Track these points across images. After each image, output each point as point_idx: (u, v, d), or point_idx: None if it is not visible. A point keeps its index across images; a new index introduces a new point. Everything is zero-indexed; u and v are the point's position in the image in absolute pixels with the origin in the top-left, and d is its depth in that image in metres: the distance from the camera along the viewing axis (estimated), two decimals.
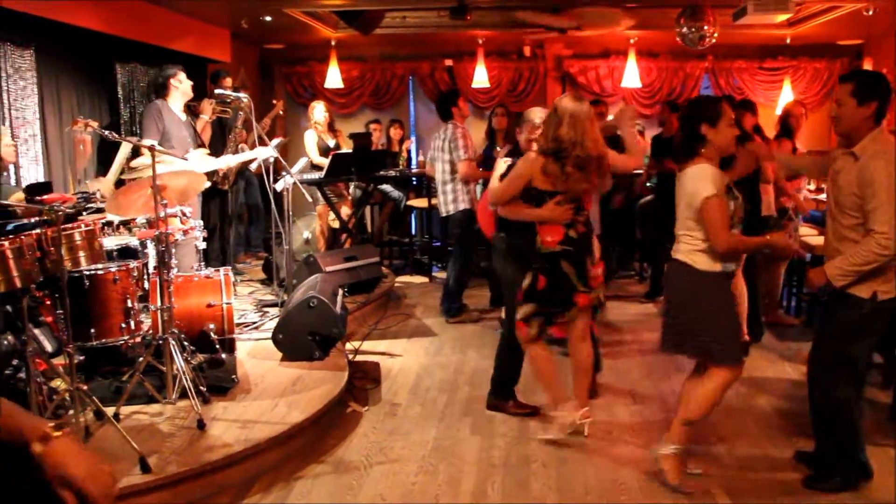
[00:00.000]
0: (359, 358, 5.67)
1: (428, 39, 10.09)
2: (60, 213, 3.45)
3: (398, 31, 9.35)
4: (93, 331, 4.18)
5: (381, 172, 8.20)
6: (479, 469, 3.97)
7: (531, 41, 10.35)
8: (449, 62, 10.85)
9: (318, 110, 8.32)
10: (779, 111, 8.29)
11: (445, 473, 3.92)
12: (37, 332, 4.69)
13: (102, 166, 6.80)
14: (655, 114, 10.55)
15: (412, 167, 10.15)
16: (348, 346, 5.61)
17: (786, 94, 10.02)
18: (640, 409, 4.79)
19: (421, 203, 9.34)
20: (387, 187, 9.19)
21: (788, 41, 9.67)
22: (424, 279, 8.78)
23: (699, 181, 3.51)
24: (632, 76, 10.21)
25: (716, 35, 7.43)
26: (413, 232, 10.27)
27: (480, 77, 10.29)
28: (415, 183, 9.79)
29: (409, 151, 10.38)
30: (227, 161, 6.50)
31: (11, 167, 5.53)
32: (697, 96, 6.65)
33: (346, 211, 8.19)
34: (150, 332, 4.50)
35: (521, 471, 3.95)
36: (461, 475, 3.90)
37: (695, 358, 3.80)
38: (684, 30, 7.43)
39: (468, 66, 10.58)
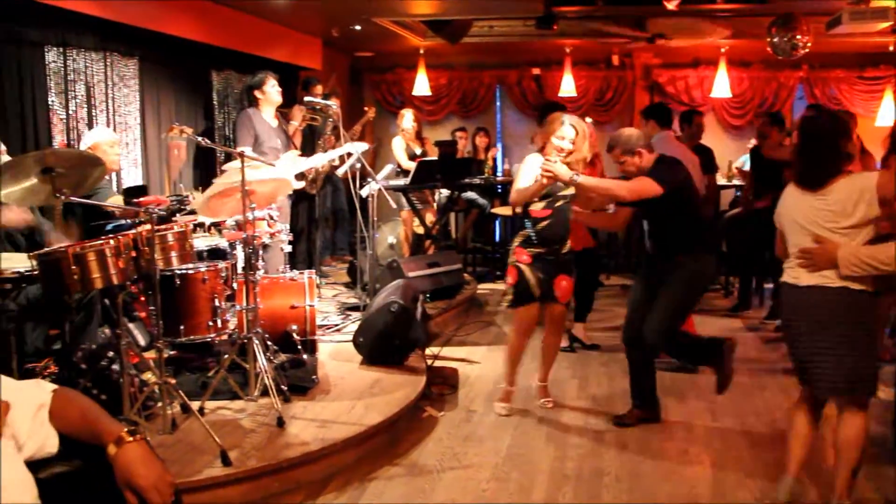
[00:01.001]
0: (437, 364, 5.71)
1: (515, 48, 10.12)
2: (155, 214, 3.63)
3: (485, 39, 9.41)
4: (182, 327, 4.35)
5: (467, 180, 8.26)
6: (551, 479, 3.97)
7: (619, 50, 10.26)
8: (536, 71, 10.85)
9: (407, 118, 8.43)
10: (881, 122, 7.98)
11: (517, 482, 3.94)
12: (131, 326, 4.93)
13: (197, 171, 7.07)
14: (746, 124, 10.32)
15: (497, 175, 10.19)
16: (427, 351, 5.67)
17: (887, 106, 9.64)
18: (717, 426, 4.69)
19: (505, 211, 9.34)
20: (472, 194, 9.25)
21: (892, 48, 9.29)
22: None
23: (865, 192, 3.25)
24: (722, 86, 9.99)
25: (809, 44, 7.21)
26: (497, 239, 10.29)
27: (567, 86, 10.25)
28: (500, 190, 9.82)
29: (494, 159, 10.42)
30: (319, 160, 6.66)
31: (113, 172, 5.81)
32: (827, 110, 6.40)
33: (430, 217, 8.28)
34: (236, 330, 4.65)
35: (593, 483, 3.93)
36: (532, 484, 3.91)
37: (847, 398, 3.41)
38: (776, 39, 7.24)
39: (555, 74, 10.55)
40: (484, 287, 8.62)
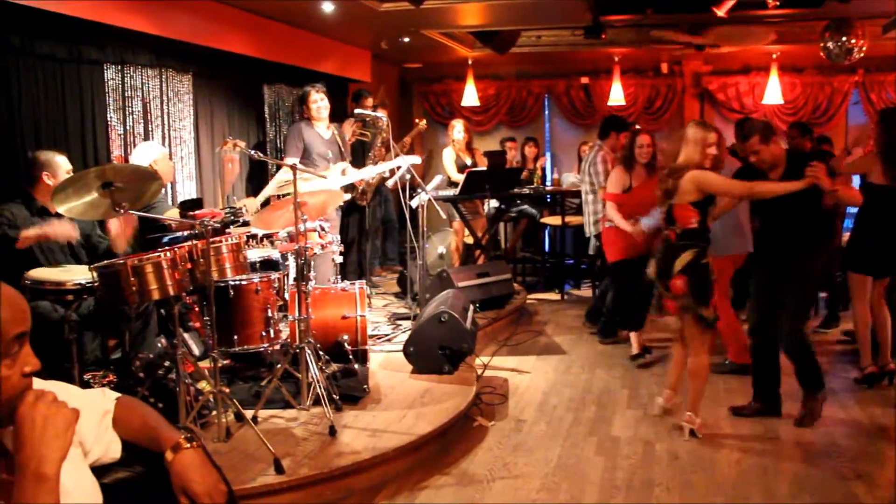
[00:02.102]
0: (487, 373, 5.73)
1: (563, 57, 10.11)
2: (209, 227, 3.72)
3: (534, 49, 9.43)
4: (236, 337, 4.42)
5: (516, 190, 8.26)
6: (602, 490, 3.94)
7: (669, 58, 10.18)
8: (585, 80, 10.82)
9: (457, 129, 8.45)
10: None
11: (567, 492, 3.92)
12: (186, 336, 5.04)
13: (251, 183, 7.20)
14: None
15: (546, 184, 10.17)
16: (477, 361, 5.68)
17: None
18: (771, 437, 4.61)
19: (555, 220, 9.33)
20: (521, 203, 9.24)
21: None
22: (556, 296, 8.76)
23: None
24: (774, 92, 9.84)
25: (864, 48, 7.06)
26: (546, 249, 10.27)
27: (617, 94, 10.20)
28: (549, 200, 9.80)
29: (543, 169, 10.40)
30: (370, 171, 6.73)
31: (169, 184, 5.95)
32: None
33: (480, 228, 8.29)
34: (289, 340, 4.72)
35: (643, 494, 3.90)
36: (583, 495, 3.89)
37: None
38: (829, 44, 7.10)
39: (604, 83, 10.51)
40: (533, 297, 8.61)
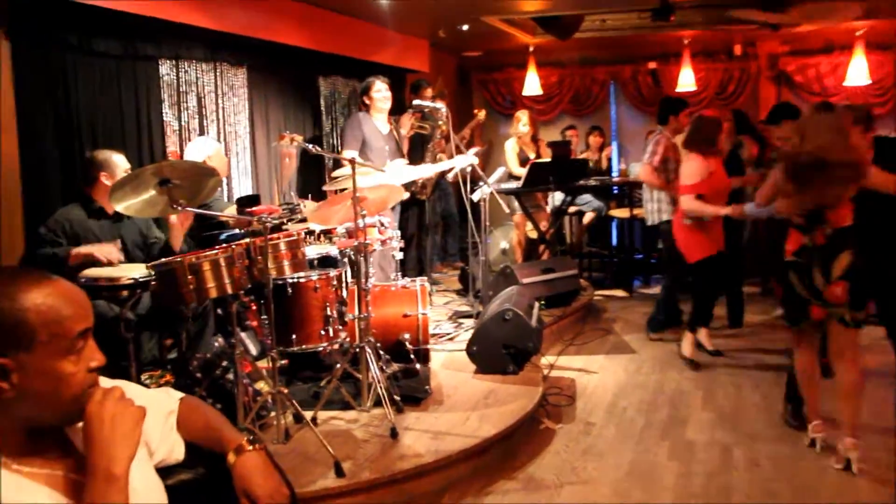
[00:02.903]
0: (554, 373, 5.70)
1: (629, 42, 9.99)
2: (267, 223, 3.76)
3: (598, 34, 9.32)
4: (294, 336, 4.47)
5: (581, 182, 8.20)
6: (676, 497, 3.88)
7: (742, 39, 9.96)
8: (652, 65, 10.68)
9: (523, 122, 8.41)
10: None
11: (640, 500, 3.87)
12: (243, 335, 5.11)
13: (306, 178, 7.27)
14: (887, 113, 9.83)
15: (613, 175, 10.07)
16: (543, 360, 5.65)
17: None
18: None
19: (622, 213, 9.24)
20: (587, 197, 9.17)
21: None
22: (625, 293, 8.67)
23: None
24: (859, 72, 9.53)
25: None
26: (614, 243, 10.17)
27: (686, 79, 10.03)
28: (616, 192, 9.70)
29: (609, 159, 10.30)
30: (426, 171, 6.75)
31: (224, 180, 6.05)
32: None
33: (544, 222, 8.24)
34: (348, 339, 4.76)
35: (721, 502, 3.82)
36: (657, 502, 3.84)
37: None
38: None
39: (673, 68, 10.36)
40: (601, 293, 8.53)
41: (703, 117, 5.97)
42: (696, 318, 6.11)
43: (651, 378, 5.75)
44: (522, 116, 8.50)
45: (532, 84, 10.34)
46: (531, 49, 10.13)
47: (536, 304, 5.94)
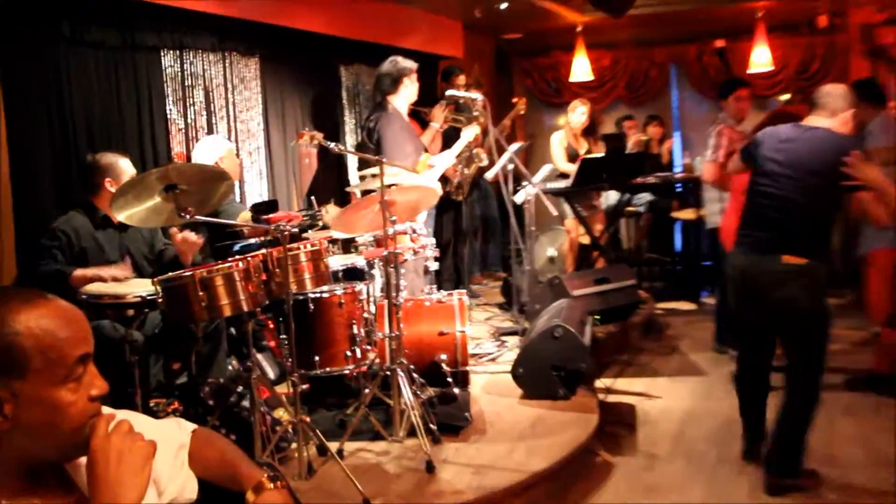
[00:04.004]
0: (611, 398, 5.68)
1: (693, 18, 9.93)
2: (286, 232, 3.81)
3: (657, 10, 9.28)
4: (317, 358, 4.51)
5: (639, 179, 8.18)
6: None
7: (828, 8, 9.82)
8: (720, 43, 10.61)
9: (579, 112, 8.39)
10: None
11: None
12: (260, 357, 5.17)
13: (328, 180, 7.33)
14: None
15: (676, 171, 10.02)
16: (598, 383, 5.64)
17: None
18: None
19: (687, 214, 9.19)
20: (646, 196, 9.13)
21: None
22: (691, 305, 8.62)
23: None
24: None
25: None
26: (678, 248, 10.12)
27: (761, 58, 9.91)
28: (679, 190, 9.65)
29: (671, 152, 10.25)
30: (448, 158, 6.76)
31: (236, 184, 6.12)
32: None
33: (597, 225, 8.23)
34: (377, 361, 4.79)
35: None
36: None
37: None
38: None
39: (744, 46, 10.26)
40: (663, 306, 8.49)
41: (780, 114, 5.92)
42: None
43: (724, 403, 5.68)
44: (580, 105, 8.47)
45: (581, 69, 10.31)
46: (579, 29, 10.10)
47: (590, 320, 5.93)
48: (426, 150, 6.59)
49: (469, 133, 6.51)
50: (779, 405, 4.31)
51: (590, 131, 8.61)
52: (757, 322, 4.44)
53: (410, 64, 6.31)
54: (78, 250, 4.46)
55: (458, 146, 6.84)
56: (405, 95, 6.32)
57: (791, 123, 4.30)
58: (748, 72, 9.95)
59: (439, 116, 7.26)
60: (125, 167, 4.65)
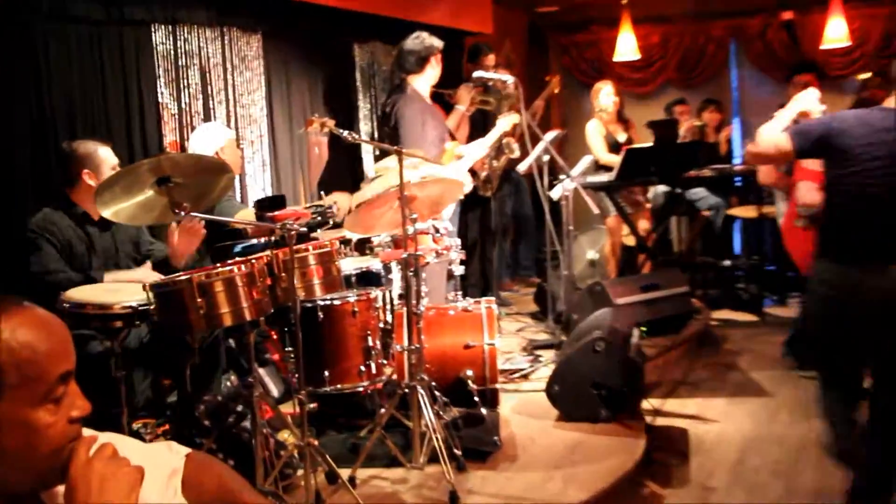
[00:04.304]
0: (659, 421, 5.69)
1: None
2: (293, 231, 3.83)
3: None
4: (326, 374, 4.52)
5: (693, 172, 8.17)
6: None
7: None
8: (788, 15, 10.56)
9: (604, 94, 8.44)
10: None
11: None
12: (262, 372, 5.20)
13: (339, 171, 7.37)
14: None
15: (735, 162, 9.99)
16: (645, 404, 5.65)
17: None
18: None
19: (747, 212, 9.17)
20: (699, 191, 9.12)
21: None
22: (753, 316, 8.59)
23: None
24: None
25: None
26: (737, 251, 10.09)
27: (836, 32, 9.82)
28: (738, 184, 9.62)
29: (729, 141, 10.22)
30: (478, 148, 6.79)
31: (237, 177, 6.16)
32: None
33: (643, 224, 8.23)
34: (395, 377, 4.82)
35: None
36: None
37: None
38: None
39: (817, 18, 10.20)
40: (720, 317, 8.47)
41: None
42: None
43: (791, 430, 5.69)
44: (603, 87, 8.51)
45: (626, 46, 10.30)
46: (625, 1, 10.11)
47: (636, 332, 5.93)
48: (452, 137, 6.62)
49: (505, 122, 6.53)
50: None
51: (621, 116, 8.61)
52: (853, 347, 4.17)
53: (438, 42, 6.34)
54: (65, 252, 4.47)
55: (492, 136, 6.86)
56: (429, 77, 6.35)
57: (876, 108, 4.13)
58: (821, 47, 9.87)
59: (465, 98, 7.30)
60: (105, 156, 4.63)
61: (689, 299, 7.48)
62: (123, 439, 1.80)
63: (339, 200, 5.31)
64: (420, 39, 6.34)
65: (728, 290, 9.34)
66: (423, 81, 6.37)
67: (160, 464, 1.87)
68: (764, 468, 5.13)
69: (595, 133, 8.42)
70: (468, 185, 6.64)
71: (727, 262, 9.80)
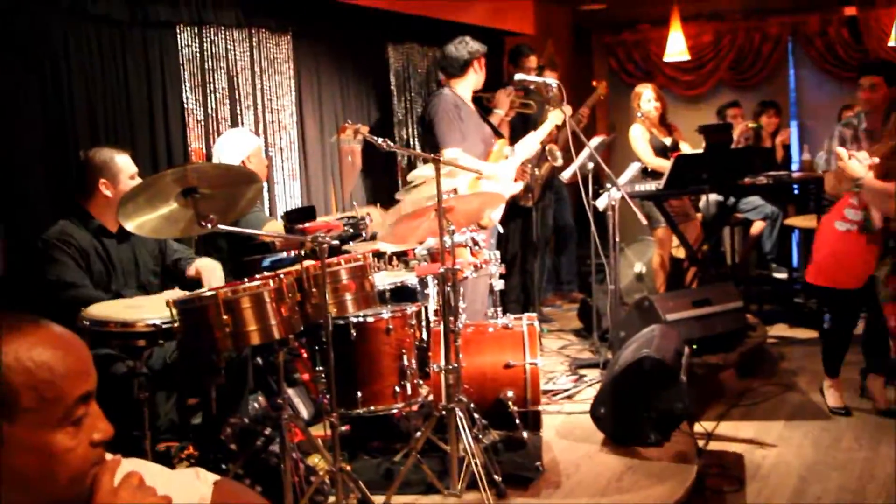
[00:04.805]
0: (712, 446, 5.65)
1: None
2: (325, 244, 3.84)
3: None
4: (359, 395, 4.55)
5: (747, 179, 8.12)
6: None
7: None
8: (851, 10, 10.48)
9: (645, 97, 8.41)
10: None
11: None
12: (292, 393, 5.22)
13: (369, 181, 7.39)
14: None
15: (793, 169, 9.92)
16: (697, 427, 5.61)
17: None
18: None
19: (805, 222, 9.09)
20: (754, 200, 9.06)
21: None
22: (812, 333, 8.51)
23: None
24: None
25: None
26: (795, 264, 10.02)
27: None
28: (797, 193, 9.55)
29: (786, 146, 10.15)
30: (528, 146, 6.78)
31: (265, 186, 6.18)
32: None
33: (694, 235, 8.19)
34: (431, 399, 4.81)
35: None
36: None
37: None
38: None
39: (883, 14, 10.11)
40: (777, 334, 8.41)
41: None
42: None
43: (856, 456, 5.62)
44: (644, 90, 8.49)
45: (676, 46, 10.26)
46: None
47: (687, 350, 5.90)
48: (499, 136, 6.63)
49: (556, 116, 6.53)
50: None
51: (663, 120, 8.57)
52: None
53: (481, 46, 6.42)
54: (85, 268, 4.48)
55: (543, 131, 6.86)
56: (471, 82, 6.40)
57: None
58: (889, 44, 9.77)
59: (504, 102, 7.32)
60: (123, 165, 4.61)
61: (743, 315, 7.42)
62: (149, 465, 1.80)
63: (372, 212, 5.32)
64: (463, 43, 6.41)
65: (785, 304, 9.28)
66: (465, 86, 6.41)
67: (188, 492, 1.86)
68: (826, 497, 5.07)
69: (640, 137, 8.39)
70: (516, 186, 6.64)
71: (784, 275, 9.76)
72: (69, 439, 1.53)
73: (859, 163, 5.13)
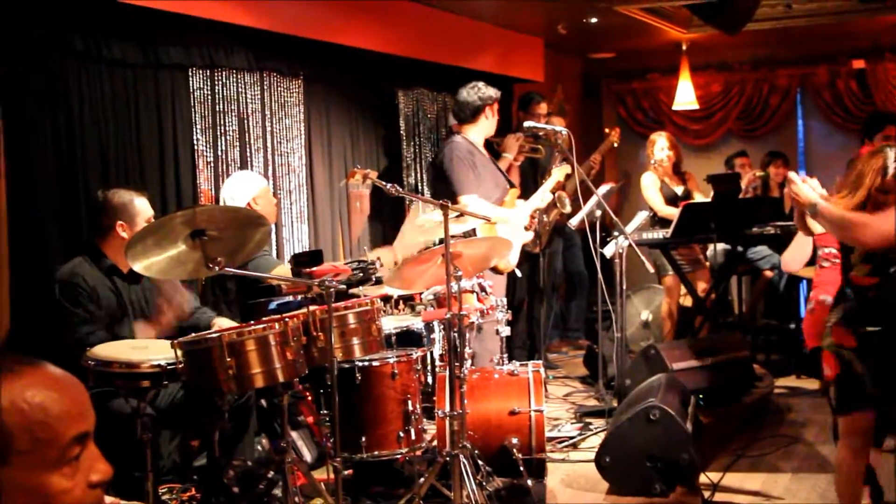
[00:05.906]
0: (718, 497, 5.61)
1: (825, 33, 9.87)
2: (332, 288, 3.85)
3: (780, 24, 9.26)
4: (363, 439, 4.54)
5: (756, 229, 8.12)
6: None
7: None
8: (859, 63, 10.50)
9: (659, 145, 8.43)
10: None
11: None
12: (295, 436, 5.20)
13: (377, 224, 7.40)
14: None
15: None
16: (703, 478, 5.58)
17: None
18: None
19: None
20: (762, 249, 9.06)
21: None
22: (820, 384, 8.48)
23: None
24: None
25: None
26: (802, 314, 9.98)
27: None
28: None
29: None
30: (535, 202, 6.80)
31: (272, 228, 6.19)
32: None
33: (702, 284, 8.18)
34: (436, 444, 4.80)
35: None
36: None
37: None
38: None
39: (891, 67, 10.15)
40: (784, 384, 8.37)
41: None
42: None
43: None
44: (658, 139, 8.52)
45: (685, 95, 10.30)
46: (685, 47, 10.12)
47: (693, 400, 5.89)
48: (512, 186, 6.65)
49: (559, 173, 6.55)
50: None
51: (677, 168, 8.59)
52: None
53: (494, 92, 6.45)
54: (95, 306, 4.47)
55: (547, 187, 6.86)
56: (483, 128, 6.44)
57: None
58: None
59: (513, 147, 7.34)
60: (141, 208, 4.64)
61: (750, 365, 7.40)
62: None
63: (383, 256, 5.33)
64: (476, 89, 6.46)
65: (793, 355, 9.24)
66: (477, 132, 6.46)
67: None
68: None
69: (651, 186, 8.41)
70: (527, 236, 6.65)
71: (792, 325, 9.72)
72: (66, 480, 1.52)
73: (811, 189, 5.11)
